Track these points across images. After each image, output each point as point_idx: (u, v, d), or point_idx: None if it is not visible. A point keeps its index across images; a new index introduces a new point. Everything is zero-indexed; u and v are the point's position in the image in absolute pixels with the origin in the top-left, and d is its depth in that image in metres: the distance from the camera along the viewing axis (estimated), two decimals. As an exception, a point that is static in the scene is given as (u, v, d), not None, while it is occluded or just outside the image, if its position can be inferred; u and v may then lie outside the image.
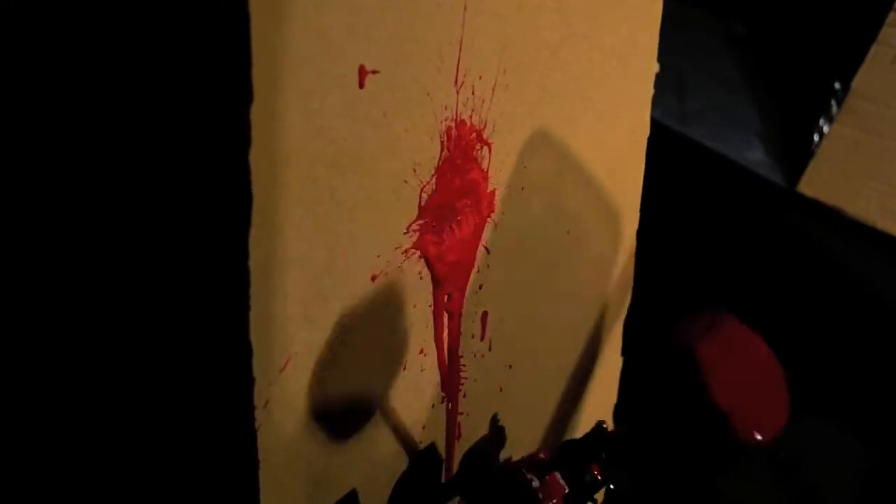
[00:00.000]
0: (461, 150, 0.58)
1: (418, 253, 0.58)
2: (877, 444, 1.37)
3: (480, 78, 0.56)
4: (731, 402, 0.48)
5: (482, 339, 0.70)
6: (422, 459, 0.69)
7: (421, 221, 0.57)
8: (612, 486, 0.60)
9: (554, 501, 0.57)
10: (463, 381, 0.69)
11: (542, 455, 0.60)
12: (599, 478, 0.59)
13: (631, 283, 0.95)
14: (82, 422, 0.58)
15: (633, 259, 0.92)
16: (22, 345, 0.57)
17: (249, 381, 0.45)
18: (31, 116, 0.51)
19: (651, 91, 0.82)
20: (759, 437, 0.47)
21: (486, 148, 0.60)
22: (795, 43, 2.11)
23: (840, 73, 1.77)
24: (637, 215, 0.89)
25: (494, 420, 0.76)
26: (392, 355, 0.60)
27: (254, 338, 0.45)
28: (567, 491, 0.58)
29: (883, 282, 1.62)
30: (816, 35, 1.99)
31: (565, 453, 0.61)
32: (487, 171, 0.61)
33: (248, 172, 0.40)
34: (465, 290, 0.65)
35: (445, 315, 0.64)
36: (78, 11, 0.46)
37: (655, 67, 0.81)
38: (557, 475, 0.58)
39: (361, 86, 0.47)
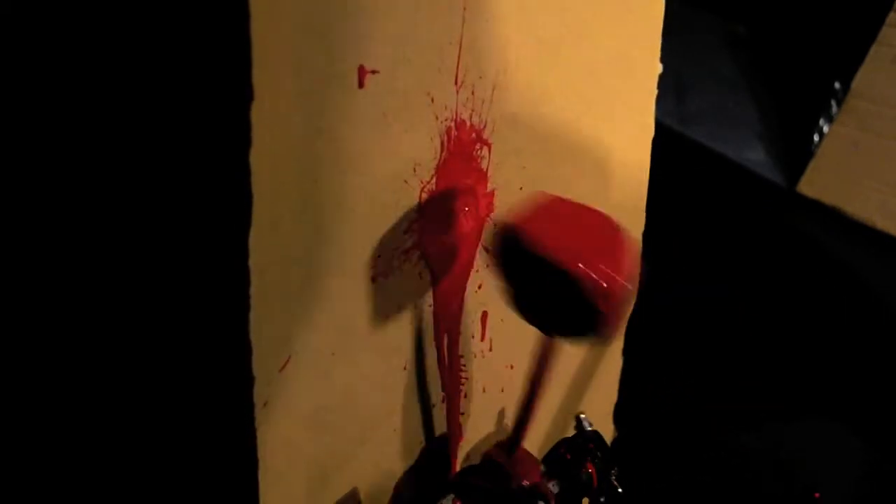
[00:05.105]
0: (461, 149, 0.58)
1: (418, 253, 0.58)
2: (877, 444, 1.37)
3: (480, 78, 0.56)
4: (567, 258, 0.45)
5: (482, 339, 0.70)
6: (422, 459, 0.69)
7: (421, 221, 0.57)
8: (620, 490, 0.60)
9: None
10: (463, 381, 0.69)
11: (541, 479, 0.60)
12: (595, 477, 0.58)
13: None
14: (82, 421, 0.58)
15: (638, 261, 0.92)
16: (22, 343, 0.57)
17: (249, 380, 0.45)
18: (34, 116, 0.52)
19: (654, 92, 0.81)
20: (606, 284, 0.44)
21: (485, 148, 0.60)
22: (795, 43, 2.11)
23: (840, 73, 1.77)
24: (643, 217, 0.88)
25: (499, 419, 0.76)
26: (392, 355, 0.60)
27: (253, 337, 0.45)
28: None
29: (883, 282, 1.62)
30: (816, 35, 2.00)
31: (560, 454, 0.61)
32: (487, 171, 0.61)
33: (248, 172, 0.40)
34: (464, 289, 0.65)
35: (445, 315, 0.64)
36: (78, 11, 0.46)
37: (658, 68, 0.80)
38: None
39: (361, 86, 0.47)
